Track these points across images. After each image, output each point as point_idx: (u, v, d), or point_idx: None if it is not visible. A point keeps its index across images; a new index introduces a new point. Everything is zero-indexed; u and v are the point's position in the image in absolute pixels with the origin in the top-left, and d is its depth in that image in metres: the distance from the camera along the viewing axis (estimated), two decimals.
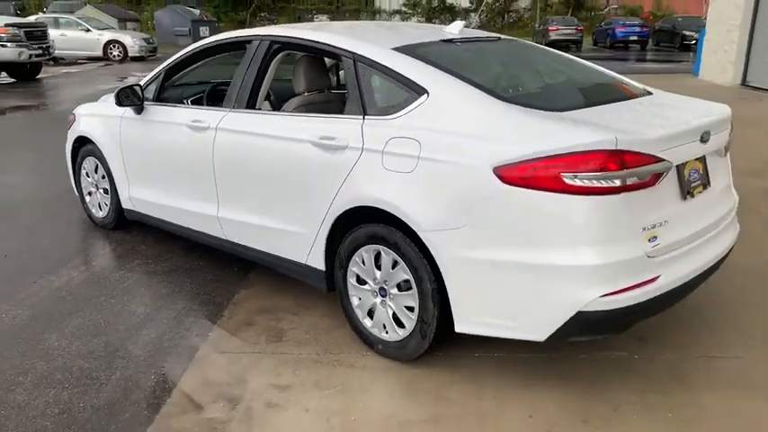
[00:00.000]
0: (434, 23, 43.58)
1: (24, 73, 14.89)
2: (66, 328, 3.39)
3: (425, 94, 2.86)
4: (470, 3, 44.69)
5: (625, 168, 2.43)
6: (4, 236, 4.78)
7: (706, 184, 2.92)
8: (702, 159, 2.90)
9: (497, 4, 44.12)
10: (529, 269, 2.53)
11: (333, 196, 3.06)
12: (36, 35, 14.26)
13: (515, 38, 4.02)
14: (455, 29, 3.56)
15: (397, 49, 3.11)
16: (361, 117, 3.03)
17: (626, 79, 3.56)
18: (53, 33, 19.58)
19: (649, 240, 2.56)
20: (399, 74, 2.97)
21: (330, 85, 4.16)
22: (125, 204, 4.56)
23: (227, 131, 3.60)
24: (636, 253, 2.50)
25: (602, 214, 2.45)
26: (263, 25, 45.85)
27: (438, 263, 2.73)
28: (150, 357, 3.12)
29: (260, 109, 3.64)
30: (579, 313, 2.49)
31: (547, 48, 3.87)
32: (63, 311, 3.57)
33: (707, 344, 3.19)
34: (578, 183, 2.42)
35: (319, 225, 3.16)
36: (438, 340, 2.88)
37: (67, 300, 3.72)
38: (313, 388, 2.86)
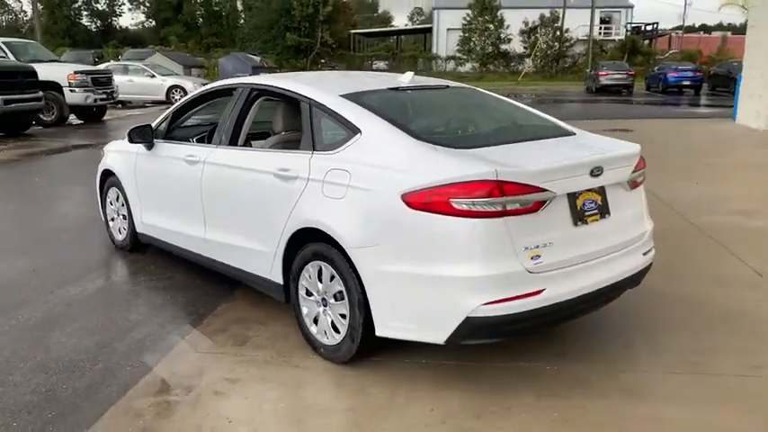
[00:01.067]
0: (489, 68, 44.29)
1: (91, 115, 16.26)
2: (68, 328, 4.00)
3: (359, 133, 3.39)
4: (524, 48, 45.29)
5: (504, 196, 2.88)
6: (39, 254, 5.51)
7: (604, 213, 3.31)
8: (601, 191, 3.30)
9: (552, 50, 44.53)
10: (428, 280, 2.98)
11: (287, 218, 3.59)
12: (102, 81, 15.62)
13: (467, 86, 4.52)
14: (406, 78, 4.09)
15: (344, 95, 3.66)
16: (311, 152, 3.58)
17: (557, 122, 3.99)
18: (122, 79, 21.27)
19: (532, 258, 2.97)
20: (341, 116, 3.52)
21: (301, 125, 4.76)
22: (138, 228, 5.22)
23: (212, 164, 4.21)
24: (516, 268, 2.92)
25: (484, 234, 2.89)
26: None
27: (361, 275, 3.21)
28: (131, 353, 3.68)
29: (242, 145, 4.24)
30: (467, 319, 2.92)
31: (494, 95, 4.34)
32: (70, 316, 4.20)
33: (620, 359, 3.52)
34: (465, 207, 2.87)
35: (277, 244, 3.69)
36: (365, 344, 3.33)
37: (75, 306, 4.35)
38: (257, 382, 3.35)
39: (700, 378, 3.34)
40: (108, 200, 5.65)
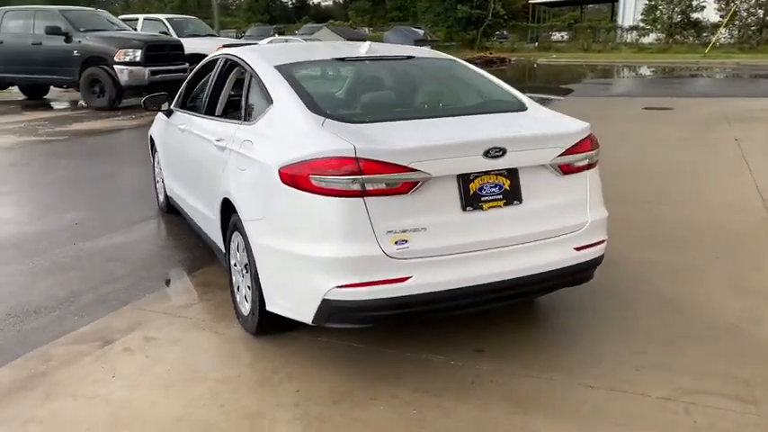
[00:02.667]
0: (676, 39, 40.53)
1: None
2: (59, 278, 4.42)
3: (271, 104, 3.34)
4: (721, 17, 40.74)
5: (363, 174, 2.69)
6: (94, 210, 6.10)
7: (512, 200, 2.97)
8: (510, 175, 2.96)
9: (753, 17, 39.61)
10: (295, 258, 2.90)
11: (218, 188, 3.66)
12: None
13: (441, 56, 4.19)
14: (363, 49, 3.91)
15: (278, 65, 3.60)
16: (240, 122, 3.59)
17: (515, 97, 3.61)
18: None
19: (396, 243, 2.76)
20: (264, 86, 3.48)
21: None
22: (168, 192, 5.58)
23: (189, 133, 4.39)
24: (374, 252, 2.73)
25: (341, 213, 2.73)
26: (493, 46, 45.82)
27: (251, 248, 3.19)
28: (90, 305, 3.99)
29: (218, 115, 4.35)
30: (324, 301, 2.80)
31: (466, 68, 3.99)
32: (68, 267, 4.63)
33: (535, 364, 3.16)
34: (323, 184, 2.74)
35: (216, 212, 3.77)
36: (263, 318, 3.30)
37: (81, 259, 4.79)
38: (169, 344, 3.48)
39: (615, 396, 2.90)
40: (154, 164, 6.10)
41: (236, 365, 3.23)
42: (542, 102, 9.96)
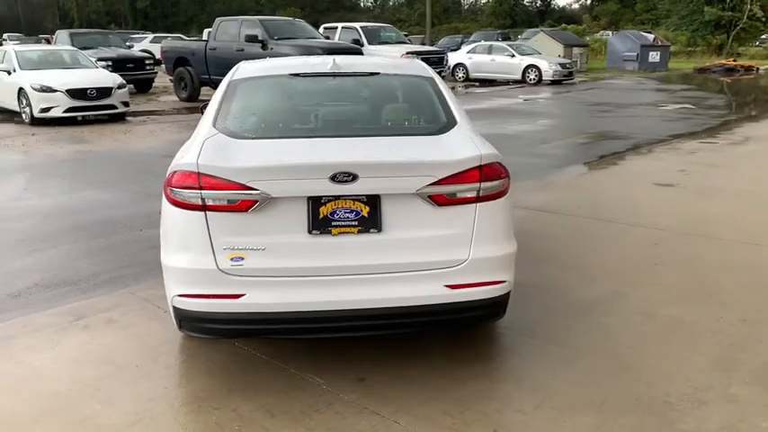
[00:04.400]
0: None
1: None
2: (100, 258, 5.09)
3: (202, 117, 3.55)
4: None
5: (203, 189, 2.80)
6: None
7: (370, 227, 2.85)
8: (370, 202, 2.84)
9: None
10: (162, 265, 3.07)
11: None
12: (432, 60, 17.00)
13: (409, 74, 3.97)
14: (326, 65, 3.90)
15: (234, 80, 3.79)
16: None
17: (454, 121, 3.36)
18: (485, 58, 22.61)
19: (232, 259, 2.82)
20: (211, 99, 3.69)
21: None
22: None
23: None
24: (209, 266, 2.82)
25: (183, 225, 2.88)
26: (747, 52, 40.79)
27: None
28: (100, 284, 4.55)
29: None
30: (174, 308, 2.96)
31: (431, 86, 3.75)
32: (117, 249, 5.30)
33: (399, 401, 2.98)
34: (175, 197, 2.90)
35: None
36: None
37: (132, 244, 5.44)
38: (120, 328, 3.85)
39: None
40: None
41: (147, 356, 3.50)
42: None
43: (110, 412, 2.96)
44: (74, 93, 12.27)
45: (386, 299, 2.85)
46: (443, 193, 2.88)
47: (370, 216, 2.85)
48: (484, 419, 2.84)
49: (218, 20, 15.95)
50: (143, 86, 18.86)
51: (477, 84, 22.71)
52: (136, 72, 18.44)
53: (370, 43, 17.15)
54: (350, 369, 3.28)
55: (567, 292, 4.24)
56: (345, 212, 2.85)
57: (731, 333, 3.61)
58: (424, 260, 2.89)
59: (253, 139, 3.14)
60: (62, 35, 18.86)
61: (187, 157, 2.91)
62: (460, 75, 23.85)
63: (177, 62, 16.51)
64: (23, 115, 12.61)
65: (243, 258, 2.83)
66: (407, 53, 16.57)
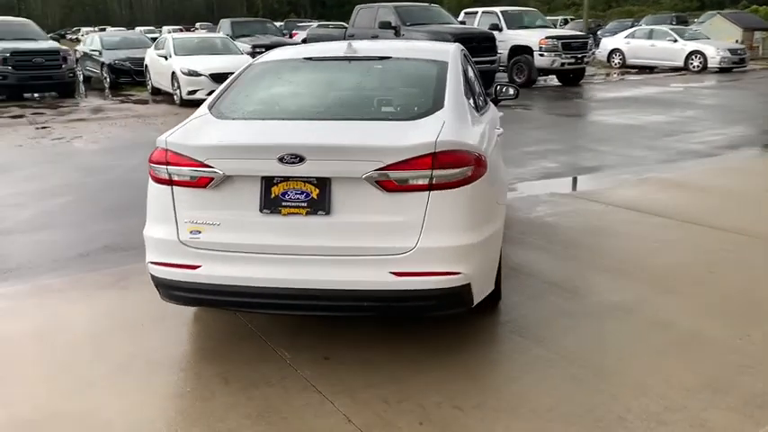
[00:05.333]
0: None
1: (569, 78, 17.13)
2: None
3: None
4: None
5: (169, 165, 3.01)
6: None
7: (319, 210, 2.89)
8: (320, 184, 2.88)
9: None
10: None
11: None
12: (573, 46, 16.22)
13: (422, 58, 3.88)
14: (341, 48, 3.94)
15: (253, 64, 3.97)
16: None
17: (439, 106, 3.28)
18: (644, 43, 21.22)
19: (191, 232, 3.01)
20: None
21: None
22: None
23: None
24: (171, 237, 3.03)
25: (154, 198, 3.12)
26: None
27: None
28: (91, 258, 4.85)
29: None
30: (150, 274, 3.20)
31: (437, 69, 3.66)
32: None
33: (348, 382, 3.01)
34: (151, 171, 3.13)
35: None
36: None
37: None
38: (139, 286, 4.17)
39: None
40: None
41: (156, 318, 3.80)
42: None
43: (93, 362, 3.29)
44: (216, 76, 13.25)
45: (330, 281, 2.88)
46: (392, 179, 2.83)
47: (319, 198, 2.89)
48: (417, 411, 2.78)
49: (357, 7, 16.40)
50: None
51: (635, 71, 21.30)
52: None
53: (509, 28, 16.72)
54: (321, 347, 3.35)
55: (591, 294, 3.97)
56: (296, 194, 2.91)
57: (747, 354, 3.19)
58: (369, 245, 2.87)
59: (232, 119, 3.29)
60: (225, 24, 20.39)
61: (163, 136, 3.12)
62: (616, 61, 22.47)
63: None
64: (175, 97, 13.89)
65: (200, 232, 3.00)
66: (546, 38, 15.97)
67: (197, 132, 3.12)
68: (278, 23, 29.76)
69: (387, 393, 2.92)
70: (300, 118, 3.31)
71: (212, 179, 2.95)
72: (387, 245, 2.87)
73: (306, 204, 2.90)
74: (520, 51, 16.13)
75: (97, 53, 18.18)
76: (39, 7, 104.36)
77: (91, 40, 19.62)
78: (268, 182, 2.92)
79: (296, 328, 3.55)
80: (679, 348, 3.28)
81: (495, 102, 5.49)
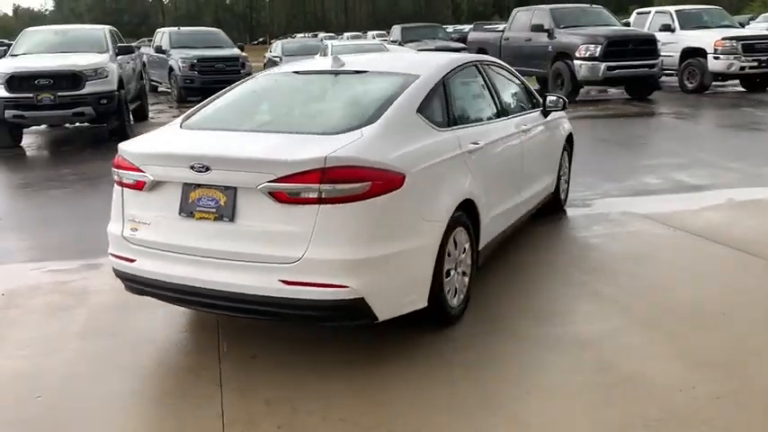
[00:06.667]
0: None
1: (756, 84, 15.30)
2: None
3: None
4: None
5: (119, 168, 3.41)
6: None
7: (225, 216, 3.10)
8: (228, 193, 3.09)
9: None
10: None
11: None
12: (758, 47, 14.41)
13: (395, 72, 3.85)
14: (326, 62, 4.08)
15: (261, 75, 4.30)
16: None
17: (372, 121, 3.32)
18: None
19: (131, 229, 3.38)
20: None
21: None
22: None
23: None
24: (117, 232, 3.43)
25: (114, 198, 3.53)
26: None
27: None
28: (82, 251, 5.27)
29: None
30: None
31: (397, 85, 3.65)
32: None
33: (253, 382, 3.19)
34: (114, 175, 3.56)
35: None
36: None
37: None
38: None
39: None
40: None
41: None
42: None
43: (90, 323, 3.81)
44: None
45: (228, 284, 3.08)
46: (284, 191, 2.96)
47: (225, 205, 3.10)
48: (291, 415, 2.87)
49: (515, 10, 16.12)
50: None
51: None
52: None
53: (683, 28, 15.29)
54: (258, 345, 3.54)
55: (568, 324, 3.71)
56: (208, 200, 3.14)
57: (670, 408, 2.81)
58: (264, 253, 3.02)
59: (188, 129, 3.62)
60: (395, 29, 21.23)
61: (121, 145, 3.52)
62: None
63: (478, 52, 17.19)
64: None
65: (137, 230, 3.36)
66: (723, 39, 14.37)
67: (149, 140, 3.50)
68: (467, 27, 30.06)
69: (276, 395, 3.04)
70: (236, 129, 3.53)
71: (146, 183, 3.29)
72: (278, 254, 3.00)
73: (214, 210, 3.13)
74: (692, 54, 14.73)
75: (278, 59, 19.85)
76: (267, 16, 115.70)
77: (276, 47, 21.47)
78: (187, 188, 3.19)
79: (251, 323, 3.75)
80: (595, 395, 2.98)
81: (546, 113, 5.27)
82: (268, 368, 3.32)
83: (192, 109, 3.95)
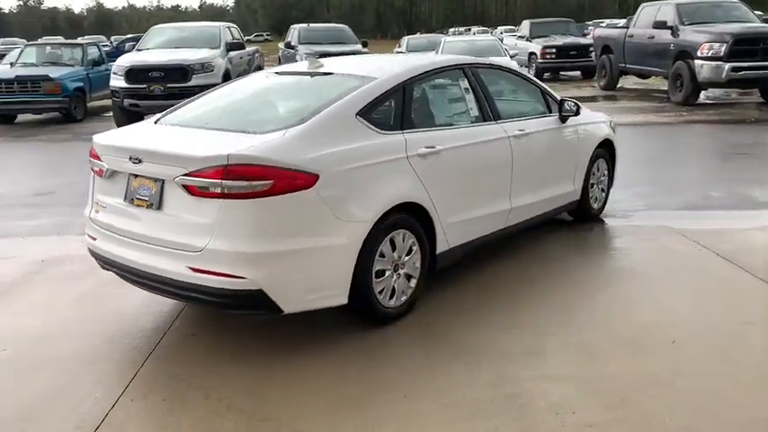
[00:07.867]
0: None
1: None
2: None
3: None
4: None
5: (91, 158, 3.84)
6: None
7: (154, 205, 3.41)
8: (159, 183, 3.40)
9: None
10: None
11: None
12: None
13: (363, 76, 3.89)
14: (304, 66, 4.25)
15: (255, 75, 4.59)
16: None
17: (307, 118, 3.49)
18: None
19: (96, 211, 3.81)
20: None
21: None
22: None
23: None
24: (87, 213, 3.88)
25: (90, 183, 3.95)
26: None
27: None
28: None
29: None
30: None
31: (351, 85, 3.74)
32: None
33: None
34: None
35: None
36: None
37: None
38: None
39: None
40: None
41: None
42: None
43: (89, 293, 4.32)
44: None
45: (151, 266, 3.39)
46: (194, 185, 3.20)
47: (155, 195, 3.41)
48: (182, 390, 3.13)
49: (642, 5, 15.17)
50: (586, 73, 19.26)
51: None
52: (578, 59, 19.04)
53: None
54: (206, 325, 3.84)
55: (515, 345, 3.58)
56: (144, 189, 3.47)
57: None
58: (178, 240, 3.29)
59: (153, 124, 3.97)
60: (525, 24, 20.69)
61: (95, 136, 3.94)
62: None
63: (603, 50, 16.41)
64: None
65: (99, 212, 3.77)
66: None
67: (115, 133, 3.90)
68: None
69: (182, 372, 3.29)
70: (194, 126, 3.79)
71: (104, 171, 3.68)
72: (188, 242, 3.26)
73: (147, 199, 3.45)
74: None
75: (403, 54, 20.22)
76: (426, 10, 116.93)
77: (403, 42, 21.83)
78: (132, 177, 3.54)
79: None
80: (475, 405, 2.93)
81: (564, 119, 5.10)
82: (198, 347, 3.60)
83: (176, 105, 4.31)
